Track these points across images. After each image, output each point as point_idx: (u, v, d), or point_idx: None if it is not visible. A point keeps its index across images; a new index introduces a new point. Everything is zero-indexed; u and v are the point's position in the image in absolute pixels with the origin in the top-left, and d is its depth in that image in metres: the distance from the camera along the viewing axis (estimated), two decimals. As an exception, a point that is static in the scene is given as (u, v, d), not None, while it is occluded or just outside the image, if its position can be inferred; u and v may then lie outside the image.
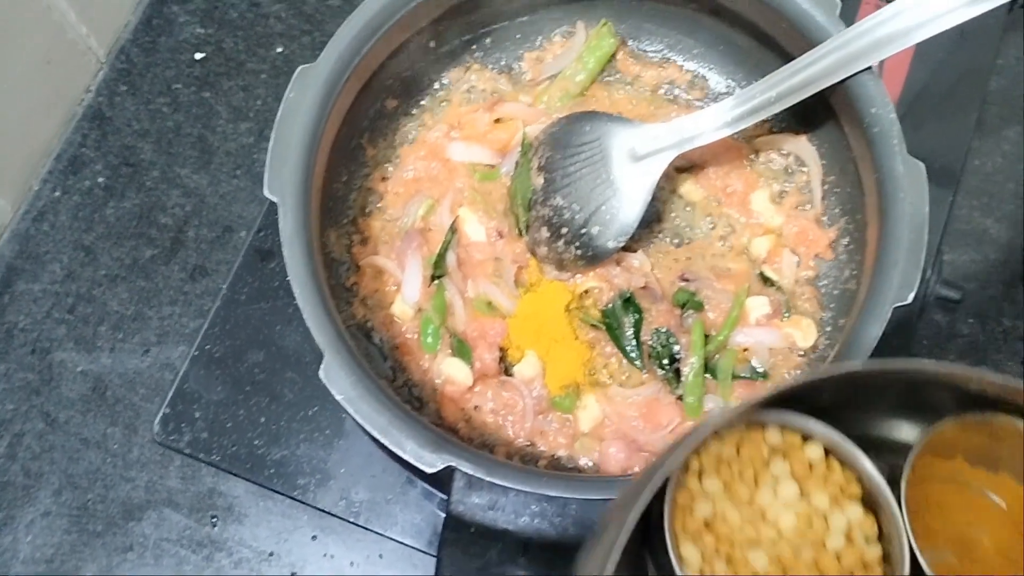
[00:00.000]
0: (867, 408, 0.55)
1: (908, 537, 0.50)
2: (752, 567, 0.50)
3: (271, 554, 0.78)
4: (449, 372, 0.73)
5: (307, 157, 0.66)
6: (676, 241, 0.79)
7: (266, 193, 0.65)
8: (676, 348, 0.74)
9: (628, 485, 0.51)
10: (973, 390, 0.50)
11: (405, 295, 0.75)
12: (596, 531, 0.51)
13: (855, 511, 0.53)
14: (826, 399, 0.52)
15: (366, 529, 0.77)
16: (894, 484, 0.52)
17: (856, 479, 0.54)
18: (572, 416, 0.73)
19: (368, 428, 0.60)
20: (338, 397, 0.60)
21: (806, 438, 0.55)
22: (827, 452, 0.55)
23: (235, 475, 0.79)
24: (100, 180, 0.90)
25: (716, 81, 0.84)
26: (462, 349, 0.73)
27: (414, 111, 0.82)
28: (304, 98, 0.67)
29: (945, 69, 0.91)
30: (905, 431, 0.56)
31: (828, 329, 0.75)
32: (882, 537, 0.53)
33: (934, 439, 0.53)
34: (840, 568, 0.51)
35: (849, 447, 0.53)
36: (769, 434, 0.55)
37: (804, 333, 0.74)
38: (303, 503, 0.78)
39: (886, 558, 0.51)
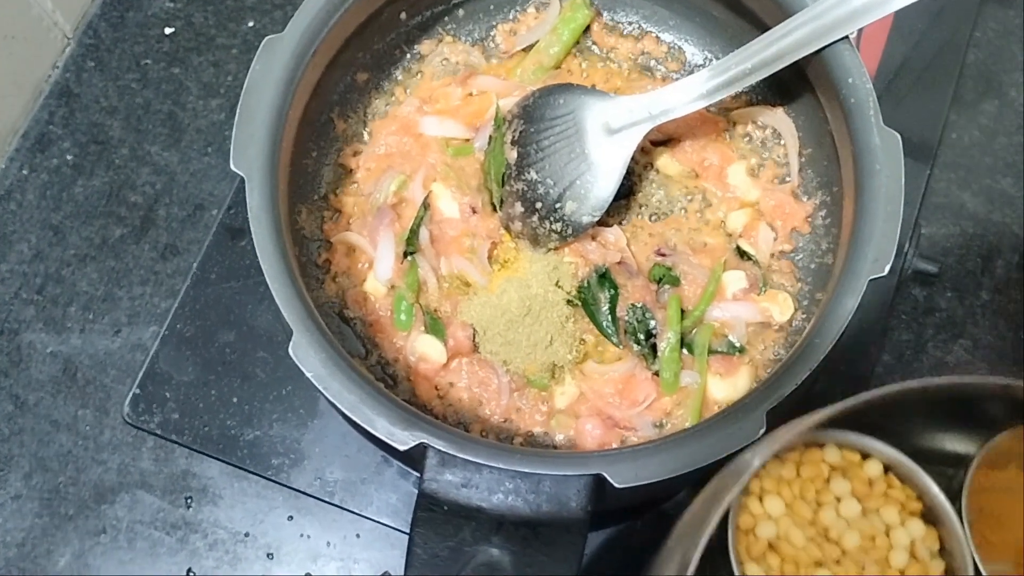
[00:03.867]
0: (917, 420, 0.55)
1: (971, 551, 0.50)
2: None
3: (247, 535, 0.77)
4: (423, 350, 0.72)
5: (274, 131, 0.65)
6: (652, 215, 0.78)
7: (233, 167, 0.63)
8: (652, 323, 0.73)
9: (689, 511, 0.51)
10: None
11: (378, 272, 0.74)
12: (660, 556, 0.52)
13: (917, 527, 0.53)
14: (876, 414, 0.52)
15: (342, 509, 0.77)
16: (950, 497, 0.52)
17: (916, 495, 0.54)
18: (548, 393, 0.72)
19: (339, 406, 0.59)
20: (308, 375, 0.59)
21: (864, 455, 0.55)
22: (886, 469, 0.55)
23: (208, 456, 0.78)
24: (68, 158, 0.89)
25: (693, 53, 0.83)
26: (436, 326, 0.72)
27: (385, 85, 0.81)
28: (271, 71, 0.66)
29: (923, 42, 0.90)
30: (955, 442, 0.56)
31: (805, 303, 0.75)
32: (943, 551, 0.53)
33: (990, 451, 0.53)
34: None
35: (909, 464, 0.54)
36: (828, 453, 0.55)
37: (781, 307, 0.74)
38: (278, 483, 0.77)
39: (948, 572, 0.52)
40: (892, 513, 0.54)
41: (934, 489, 0.53)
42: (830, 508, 0.54)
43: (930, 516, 0.54)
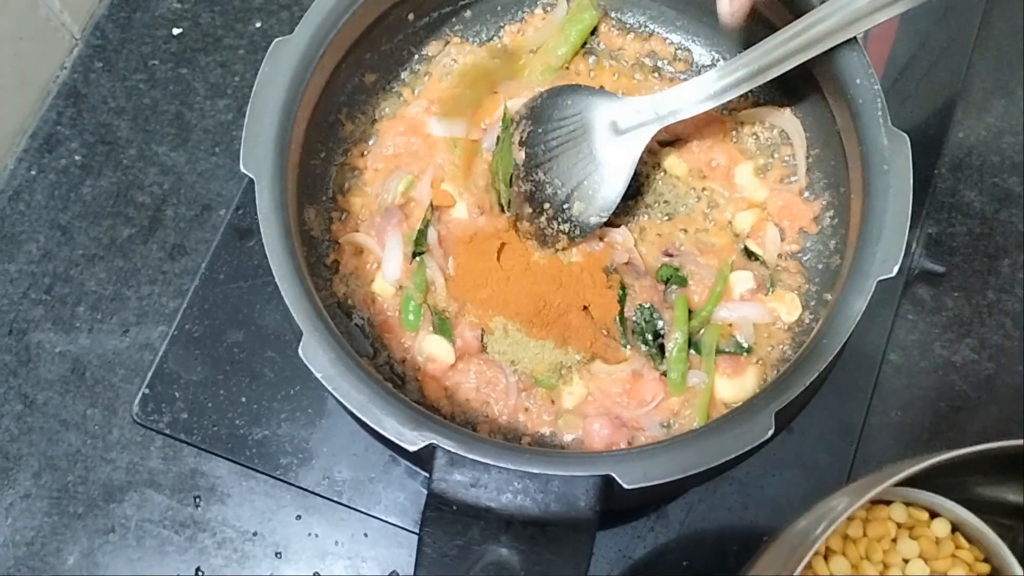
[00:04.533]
0: (972, 473, 0.54)
1: None
2: None
3: (255, 534, 0.77)
4: (431, 350, 0.72)
5: (283, 132, 0.65)
6: (659, 216, 0.78)
7: (242, 168, 0.64)
8: (660, 324, 0.73)
9: (766, 554, 0.49)
10: None
11: (386, 272, 0.74)
12: None
13: None
14: (938, 468, 0.51)
15: (350, 508, 0.77)
16: (1013, 551, 0.52)
17: (983, 556, 0.53)
18: (556, 393, 0.72)
19: (348, 406, 0.59)
20: (318, 375, 0.59)
21: (932, 514, 0.54)
22: (953, 528, 0.54)
23: (217, 455, 0.78)
24: (76, 158, 0.89)
25: (700, 53, 0.83)
26: (443, 327, 0.73)
27: (393, 85, 0.81)
28: (279, 72, 0.66)
29: (929, 42, 0.90)
30: (1012, 492, 0.55)
31: (812, 303, 0.75)
32: None
33: None
34: None
35: (977, 523, 0.53)
36: (895, 511, 0.55)
37: (788, 307, 0.74)
38: (286, 483, 0.78)
39: None
40: (960, 574, 0.53)
41: (1004, 550, 0.52)
42: (897, 569, 0.53)
43: None
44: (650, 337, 0.73)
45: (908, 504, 0.55)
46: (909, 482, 0.53)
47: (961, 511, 0.53)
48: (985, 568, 0.53)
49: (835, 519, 0.48)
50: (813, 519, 0.50)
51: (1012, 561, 0.52)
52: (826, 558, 0.54)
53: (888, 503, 0.55)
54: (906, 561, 0.54)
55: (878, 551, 0.54)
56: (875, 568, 0.53)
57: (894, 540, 0.54)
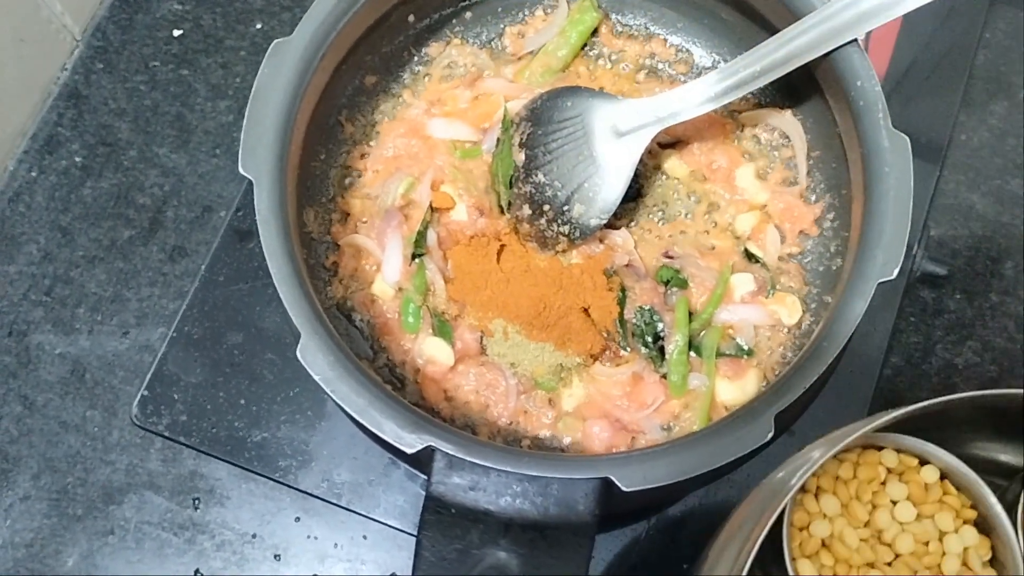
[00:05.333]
0: (973, 430, 0.55)
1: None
2: None
3: (254, 536, 0.77)
4: (430, 352, 0.72)
5: (283, 134, 0.65)
6: (660, 218, 0.78)
7: (241, 170, 0.63)
8: (660, 326, 0.73)
9: (746, 503, 0.51)
10: None
11: (385, 274, 0.74)
12: (713, 549, 0.52)
13: (971, 535, 0.54)
14: (934, 421, 0.52)
15: (349, 511, 0.77)
16: (1004, 507, 0.53)
17: (971, 503, 0.55)
18: (555, 395, 0.72)
19: (347, 408, 0.59)
20: (316, 377, 0.59)
21: (922, 461, 0.55)
22: (942, 476, 0.55)
23: (216, 457, 0.78)
24: (77, 160, 0.89)
25: (701, 55, 0.83)
26: (443, 329, 0.72)
27: (393, 87, 0.81)
28: (279, 74, 0.66)
29: (932, 44, 0.90)
30: (1010, 454, 0.57)
31: (813, 306, 0.74)
32: (994, 561, 0.54)
33: None
34: None
35: (966, 471, 0.54)
36: (886, 456, 0.56)
37: (789, 310, 0.74)
38: (285, 485, 0.77)
39: None
40: (946, 520, 0.54)
41: (991, 498, 0.53)
42: (885, 511, 0.54)
43: (984, 525, 0.54)
44: (650, 339, 0.73)
45: (899, 451, 0.56)
46: (902, 431, 0.54)
47: (950, 458, 0.54)
48: (972, 514, 0.55)
49: (813, 467, 0.49)
50: (791, 468, 0.51)
51: (999, 510, 0.53)
52: (816, 496, 0.55)
53: (880, 448, 0.56)
54: (894, 503, 0.55)
55: (867, 492, 0.55)
56: (864, 508, 0.55)
57: (883, 483, 0.55)
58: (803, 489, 0.54)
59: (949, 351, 0.82)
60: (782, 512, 0.51)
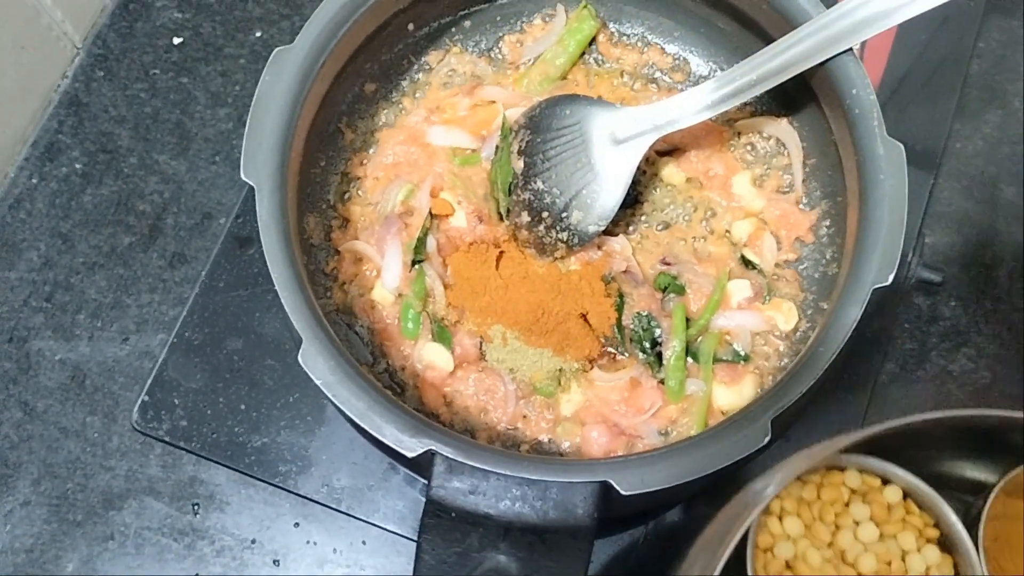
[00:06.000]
0: (937, 447, 0.56)
1: None
2: None
3: (253, 541, 0.78)
4: (430, 358, 0.72)
5: (283, 141, 0.65)
6: (657, 225, 0.79)
7: (243, 176, 0.64)
8: (658, 332, 0.74)
9: (710, 527, 0.52)
10: None
11: (385, 281, 0.74)
12: (680, 570, 0.52)
13: (933, 553, 0.55)
14: (897, 440, 0.52)
15: (349, 516, 0.77)
16: (967, 524, 0.54)
17: (933, 522, 0.55)
18: (554, 400, 0.72)
19: (347, 413, 0.59)
20: (317, 382, 0.60)
21: (885, 481, 0.56)
22: (905, 495, 0.56)
23: (216, 463, 0.78)
24: (77, 167, 0.89)
25: (698, 64, 0.84)
26: (442, 334, 0.73)
27: (393, 95, 0.82)
28: (280, 81, 0.67)
29: (926, 52, 0.91)
30: (975, 470, 0.57)
31: (809, 312, 0.75)
32: None
33: (1010, 482, 0.54)
34: None
35: (927, 491, 0.55)
36: (849, 477, 0.56)
37: (785, 316, 0.75)
38: (285, 490, 0.78)
39: None
40: (909, 539, 0.55)
41: (952, 517, 0.54)
42: (848, 531, 0.55)
43: (946, 543, 0.55)
44: (648, 345, 0.73)
45: (862, 471, 0.57)
46: (867, 452, 0.55)
47: (912, 479, 0.55)
48: (935, 533, 0.55)
49: (782, 483, 0.50)
50: (762, 484, 0.51)
51: (959, 528, 0.53)
52: (780, 519, 0.55)
53: (843, 470, 0.56)
54: (857, 524, 0.56)
55: (831, 513, 0.56)
56: (827, 529, 0.55)
57: (847, 504, 0.56)
58: (767, 511, 0.55)
59: (944, 357, 0.83)
60: (746, 532, 0.52)
